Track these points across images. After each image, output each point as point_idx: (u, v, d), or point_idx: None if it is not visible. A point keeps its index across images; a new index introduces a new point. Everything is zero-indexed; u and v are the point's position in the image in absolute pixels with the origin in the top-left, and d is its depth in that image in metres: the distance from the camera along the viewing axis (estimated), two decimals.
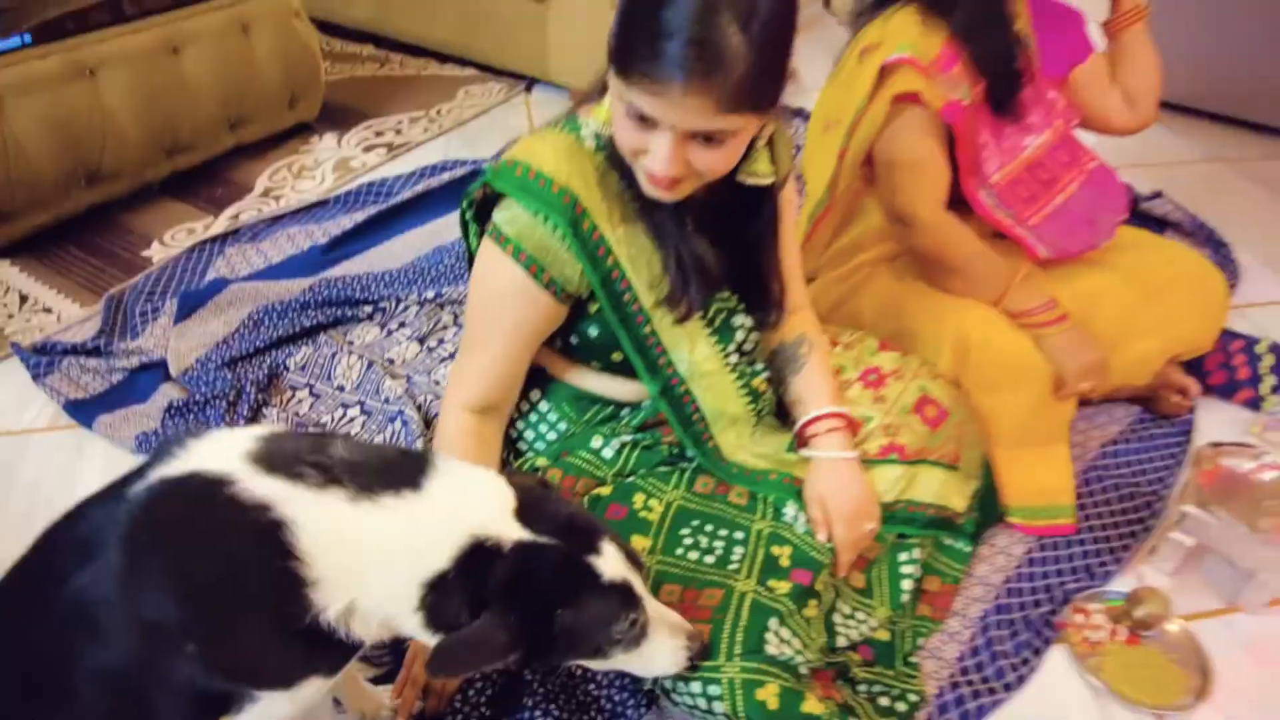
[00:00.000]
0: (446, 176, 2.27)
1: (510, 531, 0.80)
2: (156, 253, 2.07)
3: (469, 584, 0.78)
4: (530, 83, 2.96)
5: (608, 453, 1.18)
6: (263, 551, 0.75)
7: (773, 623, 0.99)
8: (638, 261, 1.07)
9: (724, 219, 1.11)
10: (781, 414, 1.26)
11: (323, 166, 2.46)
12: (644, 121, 0.91)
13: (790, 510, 1.15)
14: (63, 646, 0.80)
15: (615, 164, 1.03)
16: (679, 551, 1.08)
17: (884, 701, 1.10)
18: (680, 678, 0.94)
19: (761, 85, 0.89)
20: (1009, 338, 1.35)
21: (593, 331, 1.12)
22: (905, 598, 1.19)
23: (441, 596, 0.78)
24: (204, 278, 1.96)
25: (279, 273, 1.97)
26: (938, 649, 1.22)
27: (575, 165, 1.02)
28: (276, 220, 2.17)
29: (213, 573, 0.77)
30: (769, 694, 0.92)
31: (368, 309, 1.84)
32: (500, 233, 1.04)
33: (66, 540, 0.83)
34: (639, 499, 1.13)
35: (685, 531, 1.10)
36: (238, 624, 0.78)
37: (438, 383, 1.62)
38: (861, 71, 1.35)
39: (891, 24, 1.35)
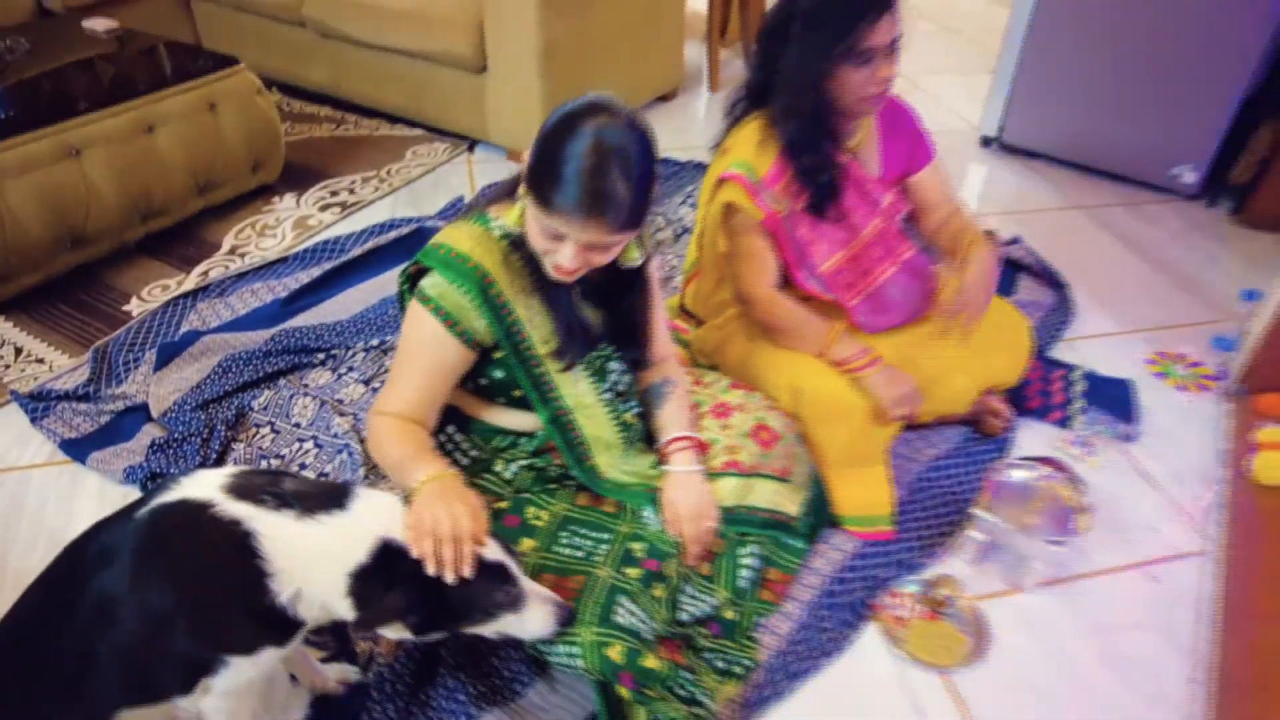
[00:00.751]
0: (392, 235, 2.52)
1: None
2: (135, 307, 2.30)
3: (382, 573, 1.07)
4: (472, 143, 3.20)
5: (508, 474, 1.47)
6: (235, 554, 1.04)
7: (623, 599, 1.28)
8: (534, 321, 1.36)
9: (605, 291, 1.43)
10: (651, 441, 1.56)
11: (283, 225, 2.68)
12: (554, 233, 1.21)
13: (647, 513, 1.45)
14: (88, 631, 1.06)
15: (517, 250, 1.32)
16: (556, 549, 1.37)
17: (721, 665, 1.40)
18: (549, 641, 1.22)
19: (638, 214, 1.21)
20: (832, 382, 1.62)
21: (498, 374, 1.40)
22: (744, 584, 1.48)
23: (363, 583, 1.07)
24: (178, 330, 2.19)
25: (244, 324, 2.21)
26: (775, 626, 1.50)
27: (485, 248, 1.32)
28: (241, 276, 2.41)
29: (198, 571, 1.05)
30: (615, 652, 1.21)
31: (321, 355, 2.10)
32: (424, 294, 1.32)
33: (88, 552, 1.10)
34: (530, 511, 1.42)
35: (564, 534, 1.39)
36: (216, 607, 1.06)
37: None
38: (711, 172, 1.66)
39: (742, 133, 1.61)
